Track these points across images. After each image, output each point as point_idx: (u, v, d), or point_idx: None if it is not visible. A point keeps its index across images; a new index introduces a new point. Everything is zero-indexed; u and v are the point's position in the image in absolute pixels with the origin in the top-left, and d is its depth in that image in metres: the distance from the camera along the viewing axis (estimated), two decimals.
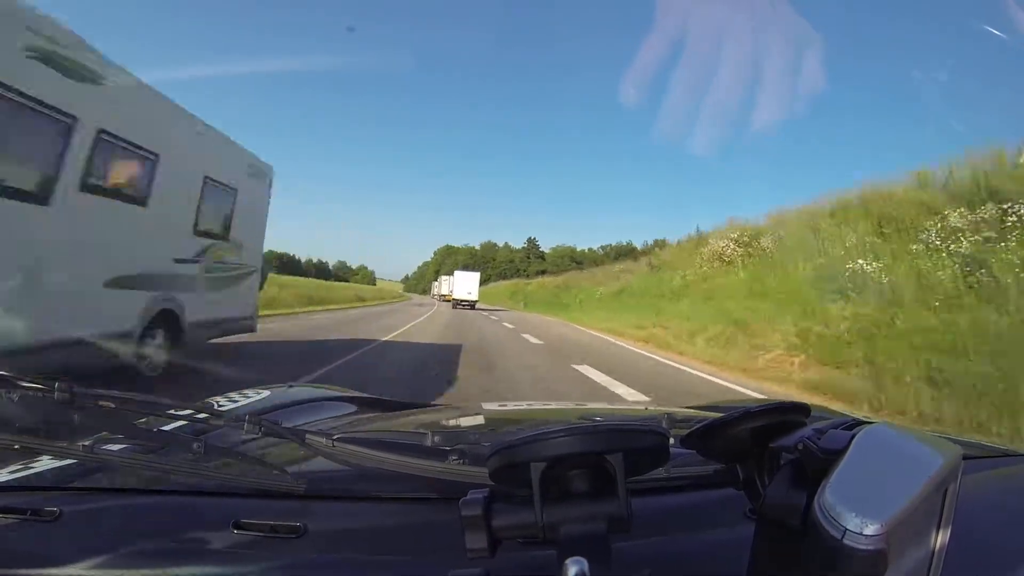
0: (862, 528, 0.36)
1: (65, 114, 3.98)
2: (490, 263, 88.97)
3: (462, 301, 33.58)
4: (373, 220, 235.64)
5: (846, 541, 0.36)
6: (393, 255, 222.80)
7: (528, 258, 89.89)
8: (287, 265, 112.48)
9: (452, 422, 1.31)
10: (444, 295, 48.17)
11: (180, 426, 0.81)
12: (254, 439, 0.79)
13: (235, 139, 7.05)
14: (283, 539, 0.63)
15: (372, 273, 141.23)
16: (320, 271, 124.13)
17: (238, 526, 0.64)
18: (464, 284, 35.00)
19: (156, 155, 5.15)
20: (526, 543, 0.46)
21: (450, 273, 48.75)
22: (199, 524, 0.68)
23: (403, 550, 0.64)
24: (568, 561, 0.40)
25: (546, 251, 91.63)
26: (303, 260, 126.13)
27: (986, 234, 8.31)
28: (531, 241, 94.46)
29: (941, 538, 0.43)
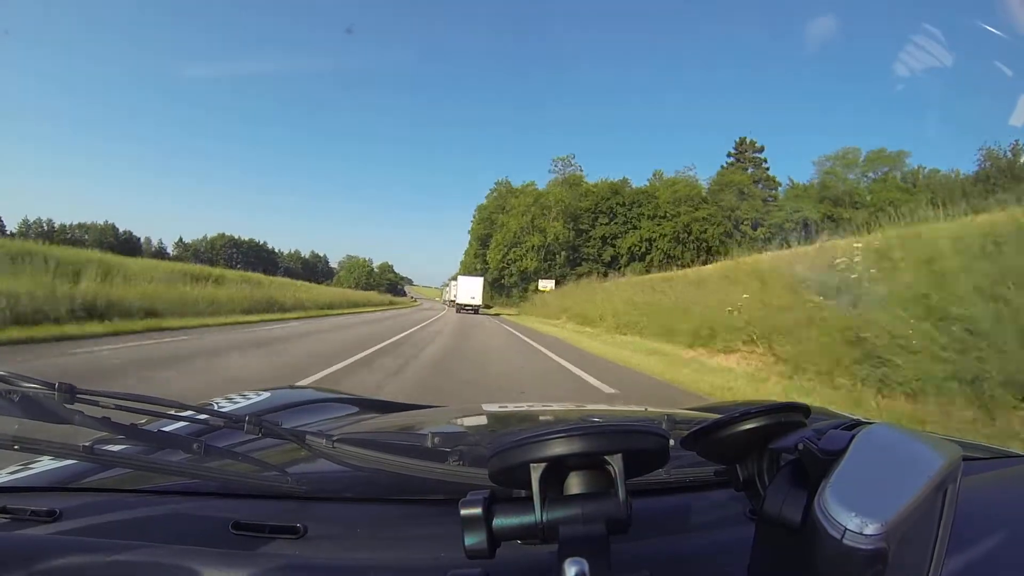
0: (862, 528, 0.36)
1: None
2: (623, 209, 42.62)
3: (466, 306, 35.30)
4: (413, 228, 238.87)
5: (846, 541, 0.36)
6: (436, 264, 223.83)
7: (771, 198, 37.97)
8: (250, 255, 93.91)
9: (452, 423, 1.31)
10: (452, 300, 43.94)
11: (180, 427, 0.81)
12: (254, 440, 0.79)
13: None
14: (283, 540, 0.63)
15: (390, 267, 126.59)
16: (310, 268, 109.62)
17: (238, 527, 0.64)
18: (467, 289, 36.43)
19: None
20: (526, 543, 0.46)
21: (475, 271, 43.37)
22: (199, 525, 0.68)
23: (403, 551, 0.64)
24: (567, 561, 0.40)
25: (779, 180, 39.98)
26: (285, 252, 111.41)
27: None
28: (746, 148, 41.01)
29: (941, 538, 0.43)
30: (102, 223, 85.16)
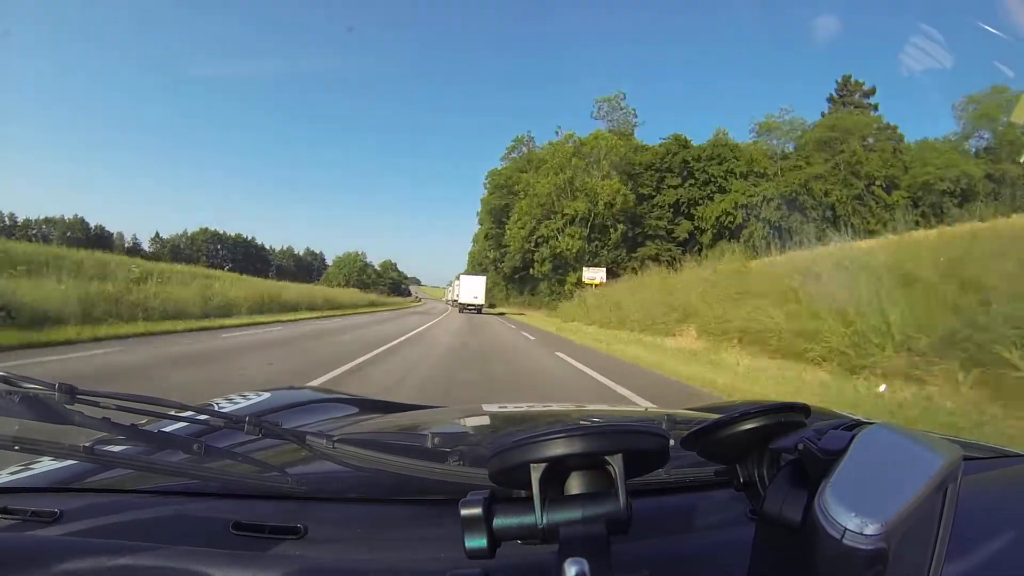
0: (862, 528, 0.36)
1: None
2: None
3: (468, 305, 34.36)
4: (422, 231, 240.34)
5: (846, 541, 0.36)
6: (445, 265, 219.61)
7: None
8: (236, 252, 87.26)
9: (452, 423, 1.31)
10: (454, 300, 40.69)
11: (181, 427, 0.81)
12: (254, 440, 0.79)
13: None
14: (283, 540, 0.63)
15: (393, 265, 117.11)
16: (304, 267, 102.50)
17: (238, 527, 0.64)
18: (470, 288, 35.54)
19: None
20: (526, 544, 0.46)
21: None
22: (199, 525, 0.68)
23: (403, 551, 0.64)
24: (568, 562, 0.40)
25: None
26: (276, 249, 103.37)
27: None
28: (851, 90, 30.33)
29: (941, 538, 0.43)
30: (71, 217, 78.40)
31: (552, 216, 32.77)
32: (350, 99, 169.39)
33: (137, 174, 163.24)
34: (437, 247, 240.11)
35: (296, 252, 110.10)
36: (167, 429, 0.79)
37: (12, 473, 0.80)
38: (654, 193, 31.85)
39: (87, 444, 0.65)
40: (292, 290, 27.65)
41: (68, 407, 0.61)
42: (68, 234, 69.72)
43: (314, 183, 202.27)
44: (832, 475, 0.41)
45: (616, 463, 0.45)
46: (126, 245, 77.25)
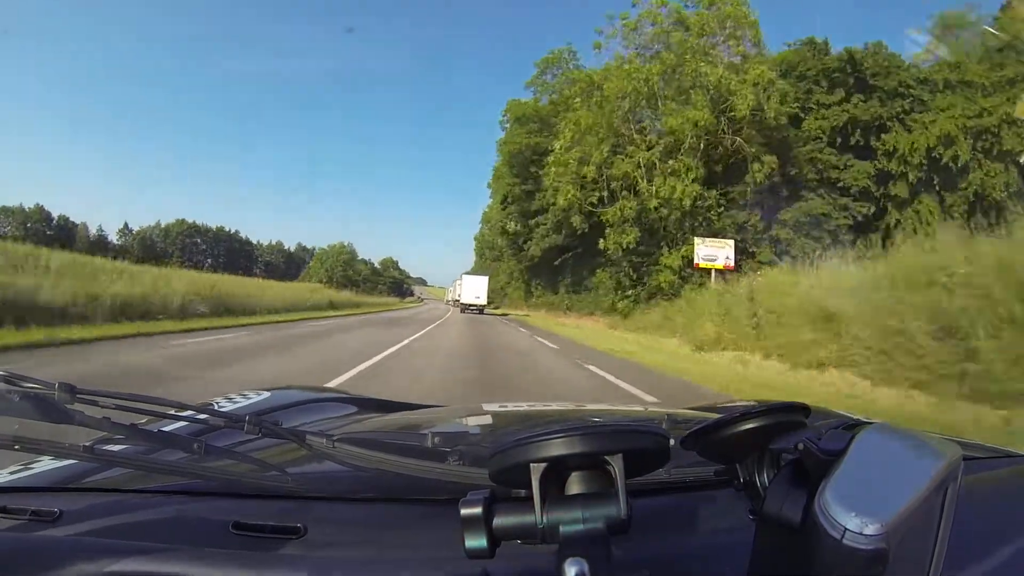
0: (862, 528, 0.36)
1: None
2: None
3: (470, 306, 34.27)
4: (428, 234, 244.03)
5: (846, 541, 0.36)
6: (452, 266, 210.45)
7: None
8: (217, 246, 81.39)
9: (452, 423, 1.31)
10: (456, 300, 41.57)
11: (180, 427, 0.81)
12: (254, 440, 0.79)
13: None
14: (283, 540, 0.63)
15: (394, 263, 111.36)
16: (295, 263, 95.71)
17: (238, 527, 0.64)
18: (472, 288, 35.48)
19: None
20: (526, 543, 0.46)
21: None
22: (199, 525, 0.68)
23: (403, 551, 0.64)
24: (568, 562, 0.40)
25: None
26: (265, 244, 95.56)
27: None
28: None
29: (941, 538, 0.43)
30: (31, 207, 68.02)
31: (635, 143, 18.68)
32: (352, 95, 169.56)
33: (134, 168, 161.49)
34: (443, 249, 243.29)
35: (287, 248, 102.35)
36: (167, 428, 0.79)
37: (12, 473, 0.80)
38: (799, 114, 18.56)
39: (87, 443, 0.65)
40: (130, 281, 14.22)
41: (68, 406, 0.60)
42: (28, 224, 64.13)
43: (318, 182, 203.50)
44: (832, 475, 0.41)
45: (616, 463, 0.45)
46: (91, 237, 69.82)
